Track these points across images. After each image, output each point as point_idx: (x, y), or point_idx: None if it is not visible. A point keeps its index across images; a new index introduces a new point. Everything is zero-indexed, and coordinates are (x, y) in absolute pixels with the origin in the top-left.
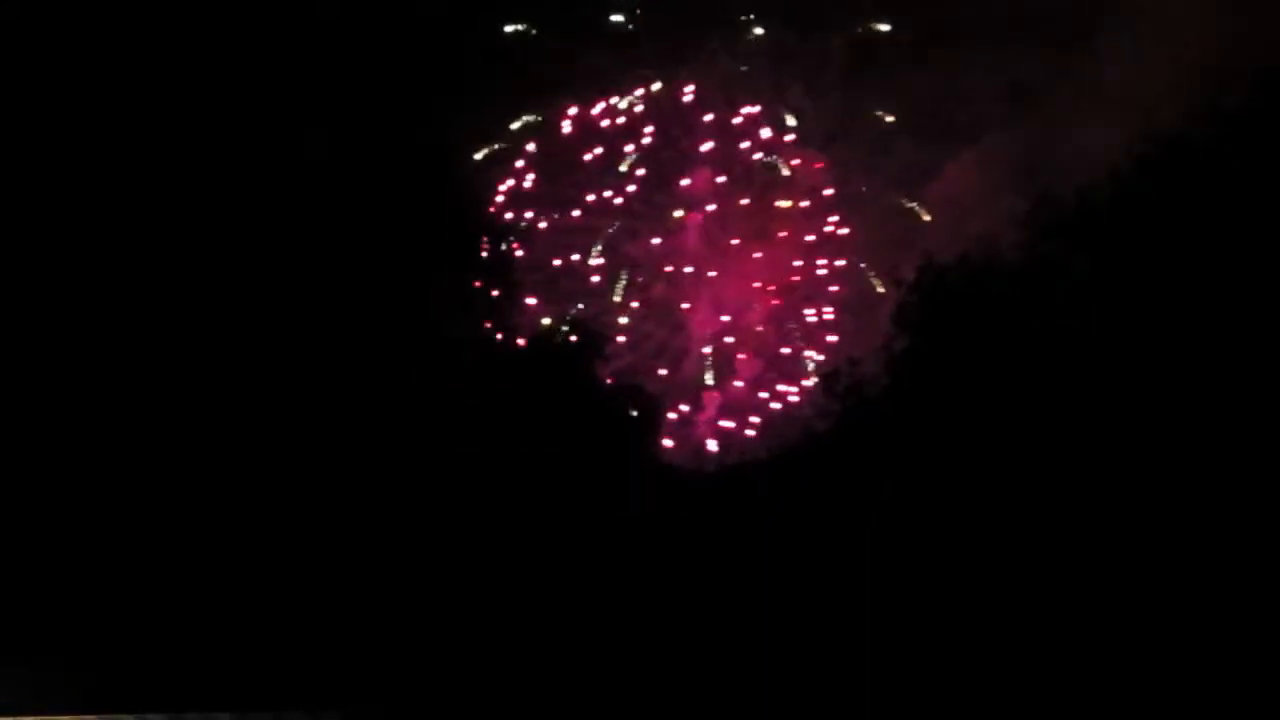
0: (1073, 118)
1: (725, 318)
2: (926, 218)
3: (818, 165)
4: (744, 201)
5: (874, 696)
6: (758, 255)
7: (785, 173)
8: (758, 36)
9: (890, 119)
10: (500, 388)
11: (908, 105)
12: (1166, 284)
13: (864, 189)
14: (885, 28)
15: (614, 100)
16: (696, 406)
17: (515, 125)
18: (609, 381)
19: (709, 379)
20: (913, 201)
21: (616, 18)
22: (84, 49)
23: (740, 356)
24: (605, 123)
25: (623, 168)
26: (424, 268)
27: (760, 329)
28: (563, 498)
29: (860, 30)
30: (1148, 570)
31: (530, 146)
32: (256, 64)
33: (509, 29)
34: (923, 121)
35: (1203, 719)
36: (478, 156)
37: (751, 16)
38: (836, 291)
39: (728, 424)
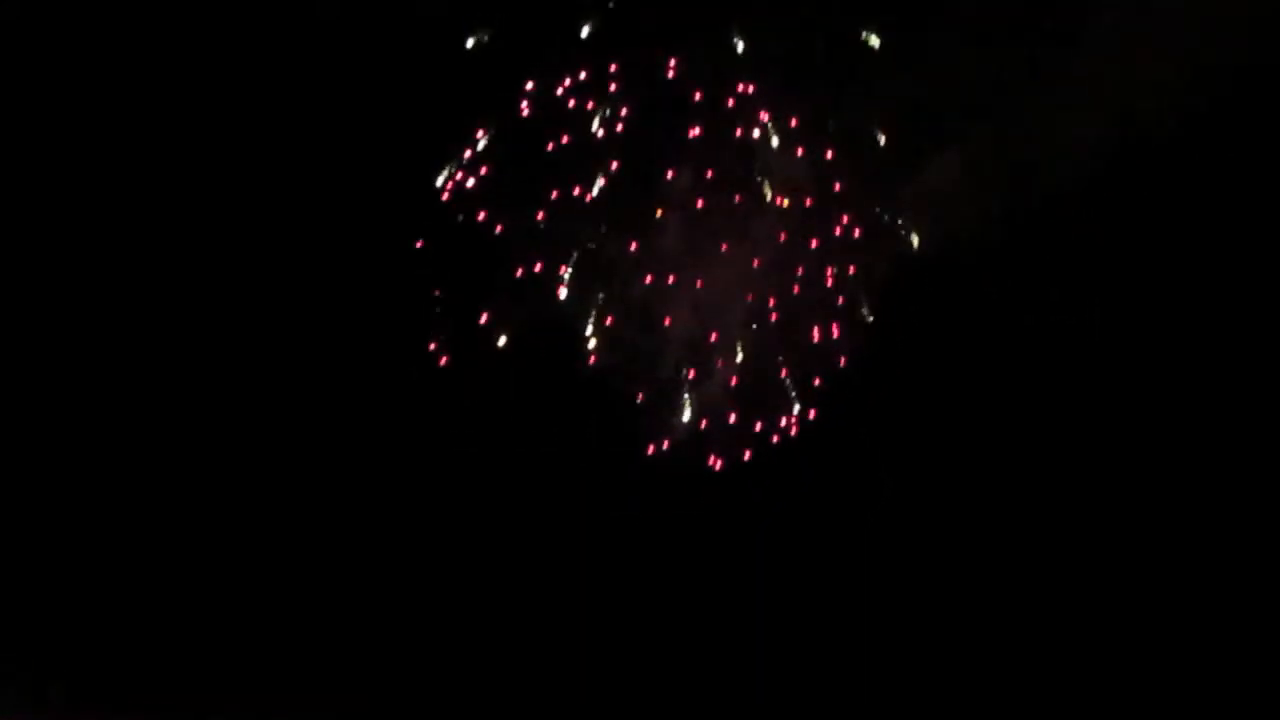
0: (1056, 116)
1: (713, 336)
2: (915, 240)
3: (828, 154)
4: (736, 199)
5: (872, 696)
6: (755, 263)
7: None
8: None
9: (880, 133)
10: (476, 395)
11: (888, 105)
12: (1152, 282)
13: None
14: (875, 41)
15: (582, 76)
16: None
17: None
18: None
19: (687, 415)
20: (893, 203)
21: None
22: (78, 47)
23: (733, 381)
24: (571, 103)
25: (595, 190)
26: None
27: (741, 357)
28: (548, 500)
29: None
30: (1148, 564)
31: (480, 135)
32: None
33: (471, 41)
34: (904, 121)
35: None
36: (439, 180)
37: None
38: (840, 304)
39: (717, 461)
